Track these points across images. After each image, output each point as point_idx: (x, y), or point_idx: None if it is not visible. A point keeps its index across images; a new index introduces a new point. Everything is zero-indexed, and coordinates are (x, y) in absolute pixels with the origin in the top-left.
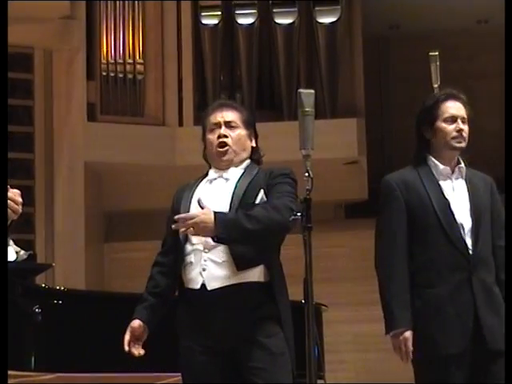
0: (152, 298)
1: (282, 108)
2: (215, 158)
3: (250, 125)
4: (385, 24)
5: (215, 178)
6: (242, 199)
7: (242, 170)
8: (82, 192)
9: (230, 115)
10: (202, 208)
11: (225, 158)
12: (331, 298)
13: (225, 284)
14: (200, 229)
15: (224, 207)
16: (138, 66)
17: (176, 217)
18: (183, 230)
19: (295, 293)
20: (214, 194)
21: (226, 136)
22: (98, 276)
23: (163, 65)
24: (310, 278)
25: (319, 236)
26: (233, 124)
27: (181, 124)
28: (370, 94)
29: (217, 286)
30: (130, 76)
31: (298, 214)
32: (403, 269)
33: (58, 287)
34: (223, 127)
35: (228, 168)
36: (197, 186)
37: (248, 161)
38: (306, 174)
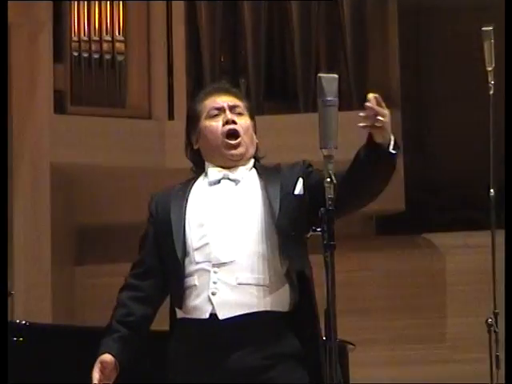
0: (123, 328)
1: (298, 97)
2: (221, 152)
3: (252, 115)
4: None
5: (219, 180)
6: (277, 207)
7: (254, 171)
8: (48, 201)
9: (233, 99)
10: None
11: (237, 151)
12: (359, 335)
13: (241, 312)
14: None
15: (245, 219)
16: (118, 45)
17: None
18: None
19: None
20: (226, 202)
21: (235, 122)
22: (67, 306)
23: (149, 43)
24: (332, 308)
25: (344, 257)
26: (239, 110)
27: (171, 117)
28: (407, 80)
29: (231, 315)
30: (107, 57)
31: (318, 229)
32: None
33: (17, 321)
34: (228, 112)
35: (235, 166)
36: (189, 190)
37: (253, 160)
38: (328, 180)
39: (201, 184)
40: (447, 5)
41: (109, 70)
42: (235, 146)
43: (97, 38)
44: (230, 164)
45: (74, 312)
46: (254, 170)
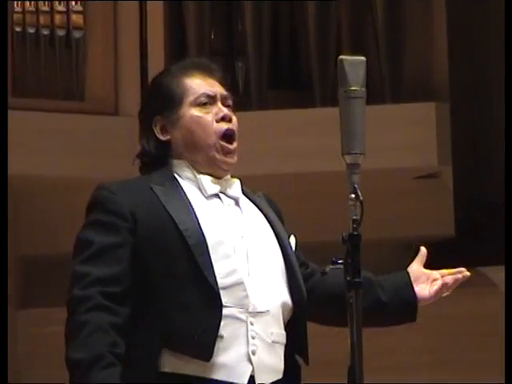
0: (118, 361)
1: (312, 86)
2: (213, 156)
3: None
4: None
5: (216, 195)
6: (285, 244)
7: (238, 185)
8: None
9: (222, 87)
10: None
11: (232, 160)
12: None
13: (275, 379)
14: None
15: (269, 256)
16: (75, 17)
17: None
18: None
19: None
20: (244, 228)
21: (231, 121)
22: (9, 361)
23: (115, 15)
24: (358, 366)
25: None
26: (230, 102)
27: None
28: (458, 65)
29: (268, 382)
30: (60, 33)
31: (340, 260)
32: None
33: None
34: (220, 104)
35: (226, 178)
36: (186, 196)
37: None
38: (353, 196)
39: (192, 192)
40: None
41: (62, 51)
42: (232, 152)
43: (47, 9)
44: (219, 173)
45: (18, 369)
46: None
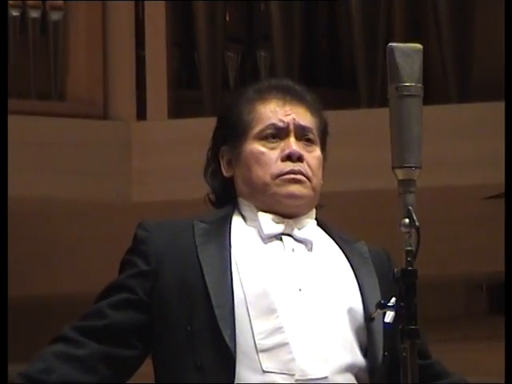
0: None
1: (356, 83)
2: (273, 196)
3: (325, 139)
4: None
5: (277, 236)
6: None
7: (323, 231)
8: None
9: (305, 116)
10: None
11: (299, 201)
12: None
13: None
14: None
15: (336, 312)
16: None
17: None
18: None
19: None
20: (304, 278)
21: (301, 160)
22: None
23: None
24: None
25: (436, 351)
26: (309, 135)
27: (142, 116)
28: None
29: None
30: (33, 15)
31: (391, 303)
32: None
33: None
34: (292, 138)
35: (296, 218)
36: (228, 236)
37: (314, 211)
38: (406, 221)
39: (245, 234)
40: None
41: (37, 38)
42: (298, 194)
43: None
44: (287, 210)
45: None
46: (317, 226)
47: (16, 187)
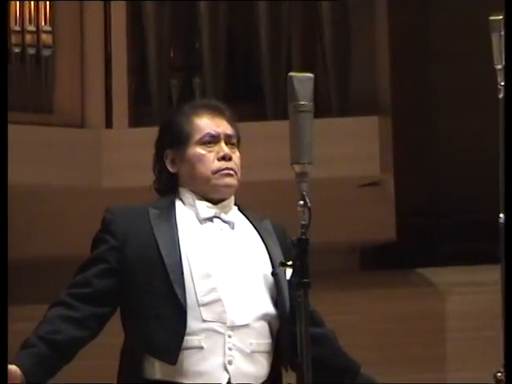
0: (44, 345)
1: (265, 101)
2: (213, 187)
3: (239, 142)
4: None
5: (210, 219)
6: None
7: (240, 214)
8: None
9: (229, 127)
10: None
11: (230, 190)
12: None
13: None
14: None
15: (254, 275)
16: (44, 37)
17: None
18: None
19: None
20: (231, 251)
21: (231, 159)
22: None
23: (82, 35)
24: (306, 361)
25: (321, 297)
26: (234, 140)
27: (109, 125)
28: (399, 80)
29: None
30: (30, 51)
31: (289, 262)
32: None
33: None
34: (223, 144)
35: (223, 204)
36: (175, 221)
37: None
38: (301, 203)
39: (187, 216)
40: None
41: (33, 67)
42: (230, 186)
43: (18, 29)
44: (217, 196)
45: None
46: (237, 210)
47: (19, 177)
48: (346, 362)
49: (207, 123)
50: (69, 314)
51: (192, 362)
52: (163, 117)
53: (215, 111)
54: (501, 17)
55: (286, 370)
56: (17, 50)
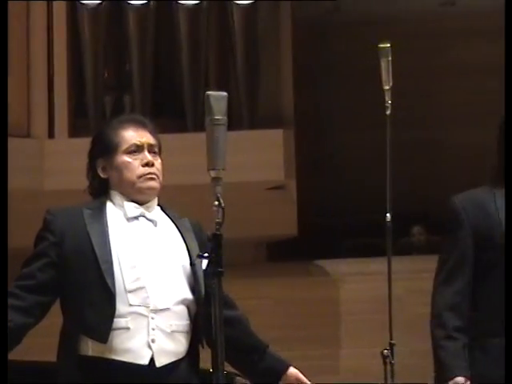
0: None
1: (186, 115)
2: (139, 189)
3: (160, 151)
4: (321, 6)
5: (136, 217)
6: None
7: (163, 213)
8: None
9: (151, 138)
10: None
11: (153, 192)
12: None
13: (174, 359)
14: None
15: (173, 265)
16: None
17: None
18: None
19: (201, 359)
20: (154, 245)
21: (153, 165)
22: None
23: (28, 55)
24: (219, 338)
25: (233, 284)
26: (155, 149)
27: (51, 135)
28: (301, 98)
29: (166, 362)
30: None
31: (205, 254)
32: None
33: None
34: (147, 152)
35: (148, 202)
36: (106, 220)
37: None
38: (216, 203)
39: (116, 215)
40: (342, 20)
41: None
42: (153, 188)
43: None
44: (143, 199)
45: None
46: (160, 209)
47: None
48: (255, 341)
49: (132, 135)
50: (17, 303)
51: (120, 340)
52: (98, 129)
53: (139, 124)
54: (388, 45)
55: (203, 347)
56: None
